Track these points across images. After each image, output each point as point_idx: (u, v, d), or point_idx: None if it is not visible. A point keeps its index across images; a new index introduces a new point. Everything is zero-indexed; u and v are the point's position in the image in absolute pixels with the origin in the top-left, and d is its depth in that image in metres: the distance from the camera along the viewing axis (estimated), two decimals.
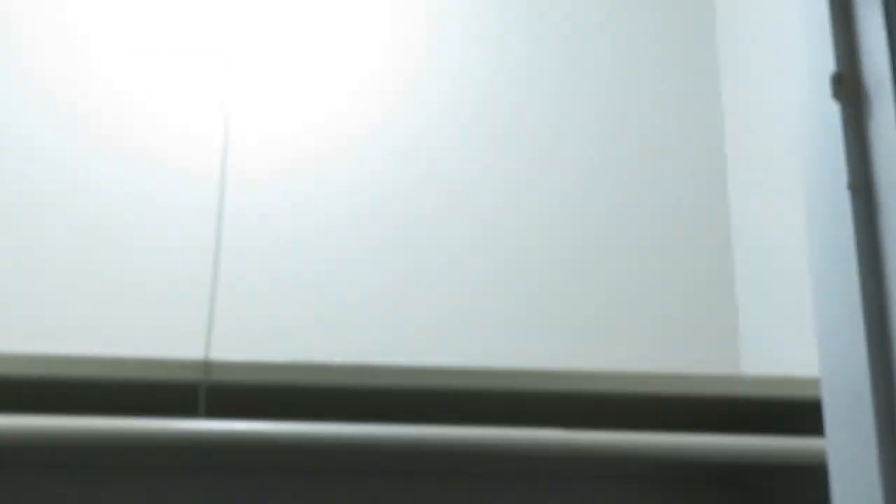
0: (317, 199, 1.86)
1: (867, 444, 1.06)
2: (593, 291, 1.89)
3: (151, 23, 1.98)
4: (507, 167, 1.96)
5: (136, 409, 1.55)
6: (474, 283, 1.87)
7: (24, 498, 1.60)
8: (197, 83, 1.93)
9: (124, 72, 1.93)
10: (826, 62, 1.20)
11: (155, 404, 1.52)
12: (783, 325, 1.69)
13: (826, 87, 1.19)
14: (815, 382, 1.45)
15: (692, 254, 1.91)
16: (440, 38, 2.03)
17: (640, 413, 1.61)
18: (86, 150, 1.86)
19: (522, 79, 2.00)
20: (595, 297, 1.89)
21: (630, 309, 1.87)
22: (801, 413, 1.59)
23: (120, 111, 1.89)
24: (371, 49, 2.02)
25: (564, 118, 1.98)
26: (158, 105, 1.90)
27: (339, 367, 1.52)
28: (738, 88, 1.93)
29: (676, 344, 1.84)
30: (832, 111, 1.18)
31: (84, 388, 1.45)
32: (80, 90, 1.91)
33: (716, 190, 1.95)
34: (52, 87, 1.91)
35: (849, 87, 1.17)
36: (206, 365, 1.53)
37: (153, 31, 1.98)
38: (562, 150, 1.97)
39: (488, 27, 2.05)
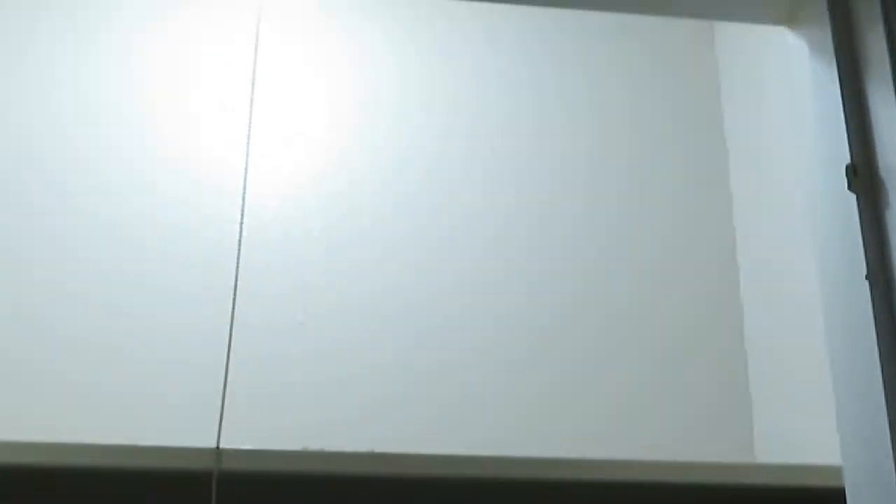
0: (327, 289, 1.86)
1: None
2: (610, 381, 1.88)
3: (163, 130, 2.01)
4: (524, 261, 1.96)
5: (148, 498, 1.53)
6: (490, 372, 1.86)
7: None
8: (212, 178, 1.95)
9: (143, 160, 1.95)
10: (841, 153, 1.21)
11: (167, 493, 1.50)
12: (797, 413, 1.68)
13: (841, 178, 1.20)
14: (831, 470, 1.44)
15: (707, 344, 1.91)
16: (465, 133, 2.05)
17: (656, 502, 1.59)
18: (101, 239, 1.87)
19: (546, 178, 2.02)
20: (611, 387, 1.88)
21: (645, 399, 1.86)
22: (816, 502, 1.57)
23: (139, 203, 1.91)
24: (394, 137, 2.03)
25: (583, 218, 1.99)
26: (174, 199, 1.92)
27: (351, 455, 1.50)
28: (749, 185, 1.95)
29: (691, 433, 1.83)
30: (848, 202, 1.19)
31: (96, 477, 1.43)
32: (95, 178, 1.92)
33: (728, 282, 1.96)
34: (63, 176, 1.92)
35: (864, 177, 1.18)
36: (218, 453, 1.51)
37: (169, 135, 2.01)
38: (580, 248, 1.98)
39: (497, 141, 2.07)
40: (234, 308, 1.67)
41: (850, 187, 1.19)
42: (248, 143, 1.98)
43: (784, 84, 1.72)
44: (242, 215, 1.89)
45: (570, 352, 1.89)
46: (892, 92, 1.19)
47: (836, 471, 1.23)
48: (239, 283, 1.78)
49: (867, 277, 1.15)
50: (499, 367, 1.85)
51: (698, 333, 1.92)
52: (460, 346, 1.87)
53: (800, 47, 1.35)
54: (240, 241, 1.85)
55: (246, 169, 1.94)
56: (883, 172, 1.18)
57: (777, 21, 1.39)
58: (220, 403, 1.53)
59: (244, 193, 1.92)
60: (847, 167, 1.20)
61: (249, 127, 1.99)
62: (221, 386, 1.54)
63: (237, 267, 1.79)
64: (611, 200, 2.02)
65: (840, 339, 1.21)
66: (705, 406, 1.87)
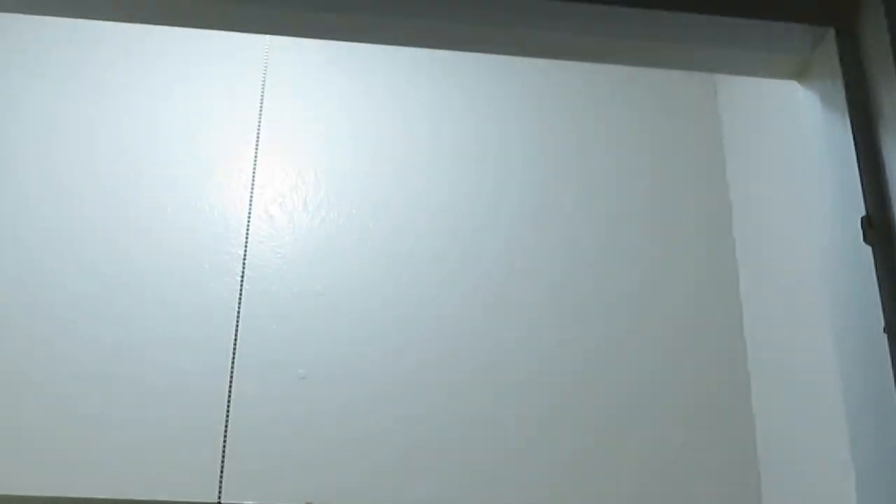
0: (326, 344, 1.84)
1: None
2: (623, 453, 1.85)
3: (159, 196, 2.00)
4: (535, 322, 1.94)
5: None
6: (490, 437, 1.83)
7: None
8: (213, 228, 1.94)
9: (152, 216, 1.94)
10: (855, 205, 1.20)
11: None
12: (807, 478, 1.65)
13: (856, 230, 1.19)
14: None
15: (713, 416, 1.89)
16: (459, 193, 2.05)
17: None
18: (101, 292, 1.85)
19: (554, 235, 2.02)
20: (624, 458, 1.85)
21: (653, 481, 1.83)
22: None
23: (140, 258, 1.89)
24: (398, 191, 2.03)
25: (594, 290, 1.99)
26: (176, 252, 1.90)
27: None
28: (752, 240, 1.94)
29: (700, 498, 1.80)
30: (864, 254, 1.18)
31: None
32: (97, 232, 1.91)
33: (735, 351, 1.94)
34: (59, 224, 1.91)
35: (879, 229, 1.17)
36: None
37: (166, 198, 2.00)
38: (593, 315, 1.97)
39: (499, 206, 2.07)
40: (234, 360, 1.65)
41: (865, 239, 1.18)
42: (251, 197, 1.97)
43: (792, 137, 1.72)
44: (244, 268, 1.87)
45: (580, 426, 1.86)
46: None
47: None
48: (239, 337, 1.76)
49: (885, 330, 1.13)
50: (497, 432, 1.82)
51: (707, 413, 1.90)
52: (466, 404, 1.84)
53: (811, 101, 1.35)
54: (240, 296, 1.83)
55: (248, 220, 1.93)
56: None
57: (787, 76, 1.40)
58: (220, 459, 1.51)
59: (246, 246, 1.91)
60: (862, 219, 1.19)
61: (253, 182, 1.99)
62: (222, 442, 1.51)
63: (237, 320, 1.78)
64: (611, 263, 2.01)
65: (857, 392, 1.19)
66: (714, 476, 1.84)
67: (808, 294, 1.67)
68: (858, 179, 1.21)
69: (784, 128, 1.76)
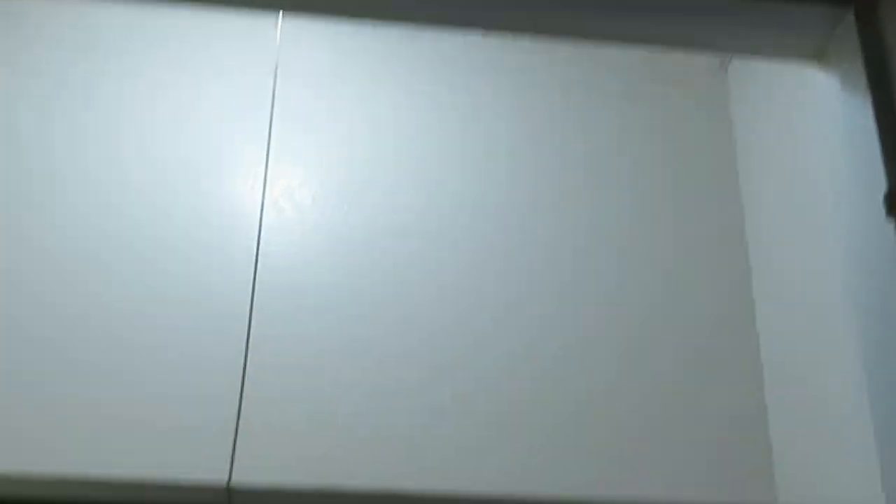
0: (341, 327, 1.83)
1: None
2: (625, 417, 1.85)
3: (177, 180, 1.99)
4: (536, 300, 1.94)
5: None
6: (506, 410, 1.83)
7: None
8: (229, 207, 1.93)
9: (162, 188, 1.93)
10: (877, 182, 1.21)
11: None
12: (818, 453, 1.65)
13: (878, 207, 1.19)
14: None
15: (725, 379, 1.88)
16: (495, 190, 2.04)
17: None
18: (117, 278, 1.84)
19: (566, 224, 2.02)
20: (626, 423, 1.84)
21: (662, 438, 1.82)
22: None
23: (155, 238, 1.88)
24: (411, 192, 2.02)
25: (591, 254, 1.98)
26: (190, 237, 1.89)
27: (363, 493, 1.46)
28: (762, 212, 1.95)
29: (711, 474, 1.79)
30: (886, 230, 1.18)
31: None
32: (111, 227, 1.90)
33: (745, 311, 1.94)
34: (85, 220, 1.90)
35: None
36: (229, 491, 1.47)
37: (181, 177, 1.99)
38: (590, 283, 1.96)
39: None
40: (248, 342, 1.64)
41: (889, 213, 1.18)
42: (263, 197, 1.96)
43: (806, 120, 1.72)
44: (257, 257, 1.86)
45: (583, 386, 1.86)
46: None
47: None
48: (253, 321, 1.75)
49: None
50: (510, 404, 1.81)
51: (716, 367, 1.89)
52: (474, 382, 1.83)
53: (830, 82, 1.35)
54: (254, 287, 1.82)
55: (262, 209, 1.92)
56: None
57: (806, 57, 1.40)
58: (232, 439, 1.49)
59: (259, 230, 1.90)
60: (885, 195, 1.20)
61: (265, 183, 1.98)
62: (235, 420, 1.50)
63: (251, 301, 1.77)
64: (622, 237, 2.01)
65: (881, 375, 1.19)
66: (724, 444, 1.84)
67: (821, 266, 1.67)
68: (880, 157, 1.22)
69: (796, 112, 1.76)
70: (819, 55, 1.38)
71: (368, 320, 1.85)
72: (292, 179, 1.99)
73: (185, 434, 1.63)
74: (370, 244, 1.94)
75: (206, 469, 1.54)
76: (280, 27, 2.16)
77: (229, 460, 1.55)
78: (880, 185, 1.22)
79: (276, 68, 2.11)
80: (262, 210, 1.94)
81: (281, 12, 1.44)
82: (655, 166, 2.10)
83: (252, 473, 1.58)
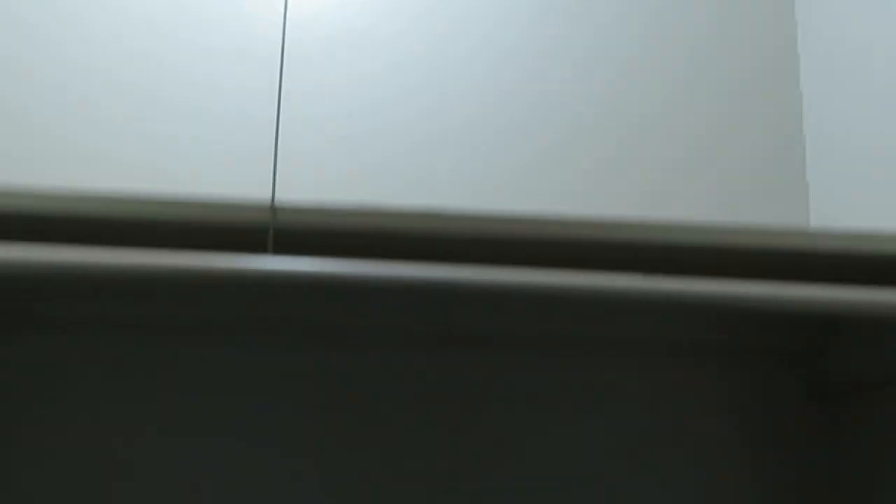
0: (387, 34, 1.77)
1: None
2: (670, 148, 1.85)
3: None
4: (585, 32, 1.89)
5: (201, 249, 1.50)
6: (553, 131, 1.81)
7: (91, 359, 1.56)
8: None
9: None
10: None
11: (219, 246, 1.48)
12: (852, 180, 1.66)
13: None
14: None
15: (759, 96, 1.86)
16: None
17: (699, 266, 1.58)
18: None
19: None
20: (672, 154, 1.84)
21: (694, 158, 1.83)
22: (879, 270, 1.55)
23: None
24: None
25: None
26: None
27: (408, 212, 1.48)
28: None
29: (747, 196, 1.81)
30: None
31: (141, 229, 1.40)
32: None
33: (784, 34, 1.89)
34: None
35: None
36: (273, 208, 1.49)
37: None
38: (635, 16, 1.91)
39: None
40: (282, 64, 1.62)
41: None
42: None
43: None
44: None
45: (625, 113, 1.84)
46: None
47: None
48: (287, 40, 1.71)
49: None
50: (558, 125, 1.80)
51: (755, 95, 1.88)
52: (522, 101, 1.81)
53: None
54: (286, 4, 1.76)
55: None
56: None
57: None
58: (273, 154, 1.50)
59: None
60: None
61: None
62: (275, 132, 1.49)
63: (285, 20, 1.73)
64: None
65: None
66: (760, 169, 1.85)
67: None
68: None
69: None
70: None
71: (424, 27, 1.80)
72: None
73: (227, 154, 1.64)
74: None
75: (250, 186, 1.56)
76: None
77: (271, 179, 1.56)
78: None
79: None
80: None
81: None
82: None
83: (294, 192, 1.60)
